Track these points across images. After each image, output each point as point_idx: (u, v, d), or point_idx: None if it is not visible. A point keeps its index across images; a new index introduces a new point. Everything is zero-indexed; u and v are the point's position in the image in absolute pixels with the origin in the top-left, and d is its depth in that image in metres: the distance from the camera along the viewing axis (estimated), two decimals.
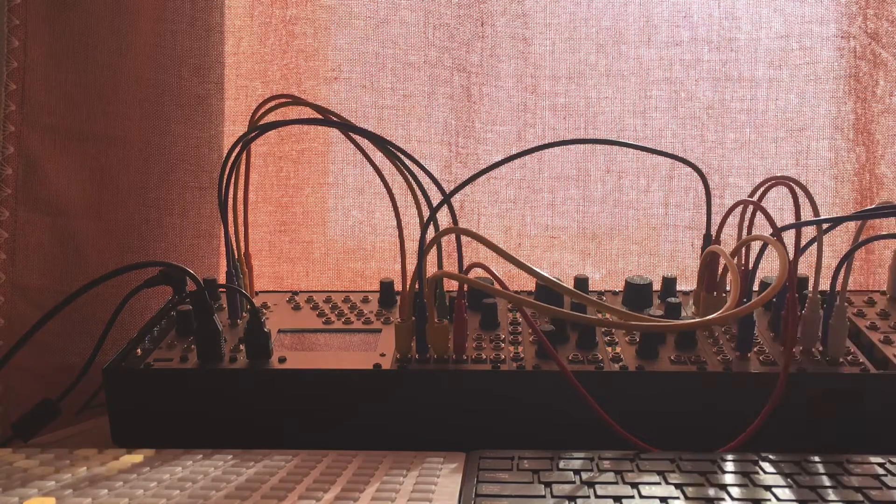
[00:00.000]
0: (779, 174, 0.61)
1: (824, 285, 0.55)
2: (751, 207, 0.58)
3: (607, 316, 0.62)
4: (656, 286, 0.66)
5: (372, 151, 0.61)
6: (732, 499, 0.40)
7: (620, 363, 0.54)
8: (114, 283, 0.60)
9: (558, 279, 0.54)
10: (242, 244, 0.66)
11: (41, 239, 0.68)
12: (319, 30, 0.85)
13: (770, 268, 0.77)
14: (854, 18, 0.81)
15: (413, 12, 0.84)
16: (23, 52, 0.66)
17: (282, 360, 0.56)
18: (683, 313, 0.61)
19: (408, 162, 0.59)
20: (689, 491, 0.41)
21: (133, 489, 0.43)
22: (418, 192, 0.60)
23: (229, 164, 0.60)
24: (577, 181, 0.86)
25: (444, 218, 0.60)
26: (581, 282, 0.64)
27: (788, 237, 0.53)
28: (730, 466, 0.44)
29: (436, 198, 0.58)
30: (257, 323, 0.56)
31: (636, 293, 0.64)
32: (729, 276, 0.53)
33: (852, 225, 0.73)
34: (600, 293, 0.68)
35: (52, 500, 0.41)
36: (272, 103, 0.62)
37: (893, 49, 0.80)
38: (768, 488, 0.41)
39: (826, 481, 0.42)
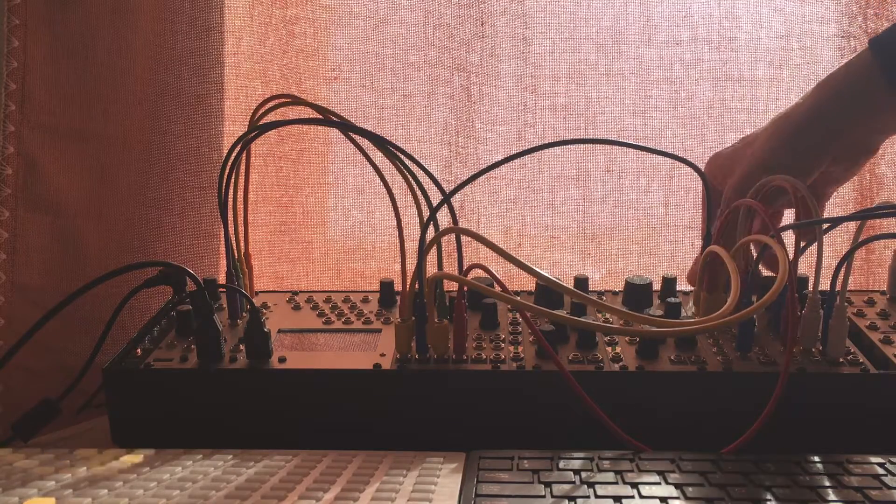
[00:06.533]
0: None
1: (824, 285, 0.55)
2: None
3: (607, 316, 0.62)
4: (656, 286, 0.66)
5: (372, 151, 0.61)
6: (732, 499, 0.40)
7: (620, 363, 0.54)
8: (114, 283, 0.60)
9: (558, 279, 0.54)
10: (242, 244, 0.66)
11: (41, 239, 0.68)
12: (319, 30, 0.85)
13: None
14: (854, 18, 0.81)
15: (413, 12, 0.84)
16: (23, 52, 0.66)
17: (282, 360, 0.56)
18: (683, 313, 0.61)
19: (408, 162, 0.59)
20: (689, 491, 0.41)
21: (133, 489, 0.43)
22: (418, 192, 0.60)
23: (229, 164, 0.60)
24: (577, 181, 0.86)
25: (444, 218, 0.60)
26: (581, 282, 0.64)
27: (788, 237, 0.53)
28: (730, 466, 0.44)
29: (436, 198, 0.58)
30: (257, 323, 0.56)
31: (636, 293, 0.64)
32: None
33: (852, 225, 0.73)
34: (600, 293, 0.68)
35: (52, 500, 0.41)
36: (272, 103, 0.62)
37: None
38: (768, 488, 0.41)
39: (826, 481, 0.42)
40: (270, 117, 0.61)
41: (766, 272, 0.63)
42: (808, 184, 0.59)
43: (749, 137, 0.63)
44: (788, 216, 0.69)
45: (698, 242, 0.82)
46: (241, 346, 0.58)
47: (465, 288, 0.55)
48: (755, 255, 0.61)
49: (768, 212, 0.54)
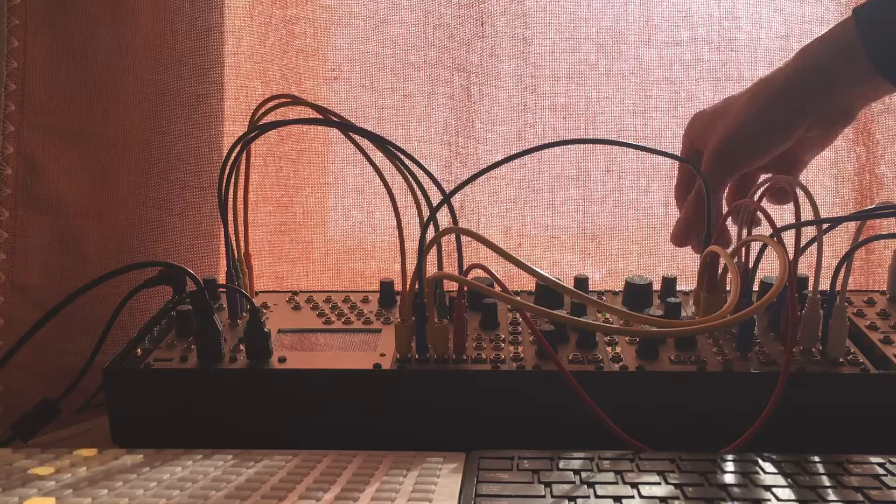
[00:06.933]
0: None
1: (824, 285, 0.55)
2: (750, 207, 0.58)
3: (607, 316, 0.62)
4: (656, 286, 0.66)
5: (372, 151, 0.61)
6: (732, 499, 0.40)
7: (620, 363, 0.54)
8: (114, 283, 0.60)
9: (558, 279, 0.54)
10: (242, 244, 0.66)
11: (41, 239, 0.68)
12: (319, 30, 0.85)
13: (770, 268, 0.77)
14: None
15: (413, 12, 0.84)
16: (23, 52, 0.66)
17: (282, 360, 0.56)
18: (683, 313, 0.61)
19: (408, 162, 0.59)
20: (689, 491, 0.41)
21: (133, 489, 0.43)
22: (418, 192, 0.60)
23: (229, 164, 0.60)
24: (577, 181, 0.86)
25: (444, 218, 0.60)
26: (581, 282, 0.64)
27: (788, 237, 0.53)
28: (730, 466, 0.44)
29: (436, 198, 0.58)
30: (257, 323, 0.56)
31: (636, 293, 0.64)
32: (729, 276, 0.53)
33: (852, 225, 0.73)
34: (600, 293, 0.68)
35: (52, 500, 0.41)
36: (272, 103, 0.62)
37: None
38: (768, 488, 0.41)
39: (826, 481, 0.42)
40: (270, 117, 0.61)
41: (765, 272, 0.63)
42: (782, 150, 0.59)
43: (732, 98, 0.63)
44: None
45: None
46: (241, 346, 0.58)
47: (465, 288, 0.55)
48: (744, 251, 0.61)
49: (767, 212, 0.54)
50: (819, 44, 0.58)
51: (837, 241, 0.83)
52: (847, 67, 0.56)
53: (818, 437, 0.53)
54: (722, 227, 0.61)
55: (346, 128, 0.61)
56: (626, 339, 0.58)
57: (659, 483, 0.42)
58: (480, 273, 0.53)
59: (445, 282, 0.60)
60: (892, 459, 0.45)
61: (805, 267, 0.65)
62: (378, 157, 0.60)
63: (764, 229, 0.65)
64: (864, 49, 0.54)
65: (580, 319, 0.54)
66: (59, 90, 0.69)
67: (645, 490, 0.41)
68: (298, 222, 0.88)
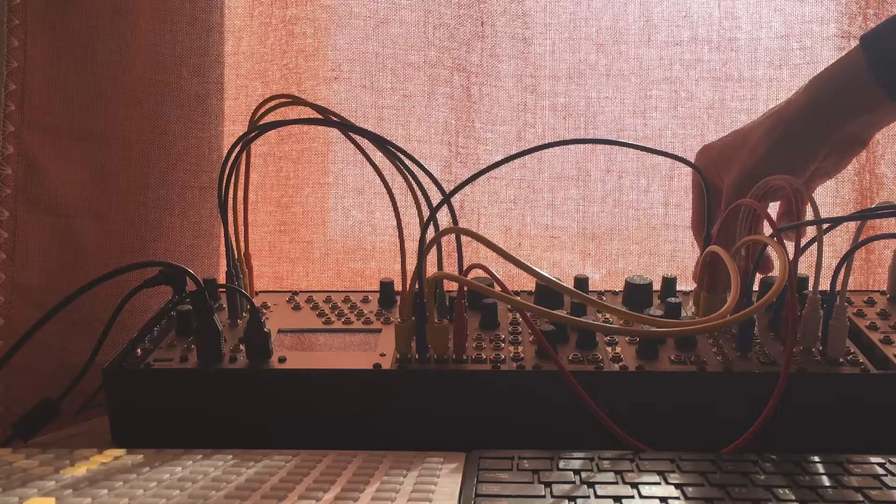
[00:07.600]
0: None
1: (824, 285, 0.55)
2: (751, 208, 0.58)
3: (607, 316, 0.62)
4: (656, 286, 0.66)
5: (372, 151, 0.61)
6: (732, 499, 0.40)
7: (620, 363, 0.54)
8: (114, 283, 0.60)
9: (558, 279, 0.54)
10: (242, 244, 0.66)
11: (41, 239, 0.68)
12: (319, 30, 0.85)
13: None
14: (854, 18, 0.81)
15: (413, 12, 0.84)
16: (23, 52, 0.66)
17: (282, 360, 0.56)
18: (683, 313, 0.61)
19: (408, 162, 0.59)
20: (689, 491, 0.41)
21: (133, 489, 0.43)
22: (418, 192, 0.60)
23: (229, 164, 0.60)
24: (577, 181, 0.86)
25: (444, 218, 0.60)
26: (581, 282, 0.64)
27: (788, 237, 0.53)
28: (730, 466, 0.44)
29: (436, 198, 0.58)
30: (257, 323, 0.56)
31: (636, 293, 0.64)
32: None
33: (852, 225, 0.73)
34: (600, 293, 0.68)
35: (52, 500, 0.41)
36: (272, 103, 0.62)
37: None
38: (768, 488, 0.41)
39: (826, 481, 0.42)
40: (270, 117, 0.61)
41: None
42: (803, 180, 0.59)
43: (742, 131, 0.63)
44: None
45: None
46: (241, 346, 0.58)
47: (465, 288, 0.55)
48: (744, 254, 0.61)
49: (766, 211, 0.54)
50: (829, 74, 0.58)
51: (837, 241, 0.83)
52: (859, 96, 0.56)
53: (818, 437, 0.53)
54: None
55: (346, 128, 0.61)
56: (626, 339, 0.58)
57: (659, 483, 0.42)
58: (480, 273, 0.53)
59: (445, 282, 0.60)
60: (892, 459, 0.45)
61: (805, 267, 0.66)
62: (378, 157, 0.60)
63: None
64: (873, 77, 0.55)
65: (580, 319, 0.54)
66: (59, 90, 0.69)
67: (645, 490, 0.41)
68: (298, 222, 0.88)
